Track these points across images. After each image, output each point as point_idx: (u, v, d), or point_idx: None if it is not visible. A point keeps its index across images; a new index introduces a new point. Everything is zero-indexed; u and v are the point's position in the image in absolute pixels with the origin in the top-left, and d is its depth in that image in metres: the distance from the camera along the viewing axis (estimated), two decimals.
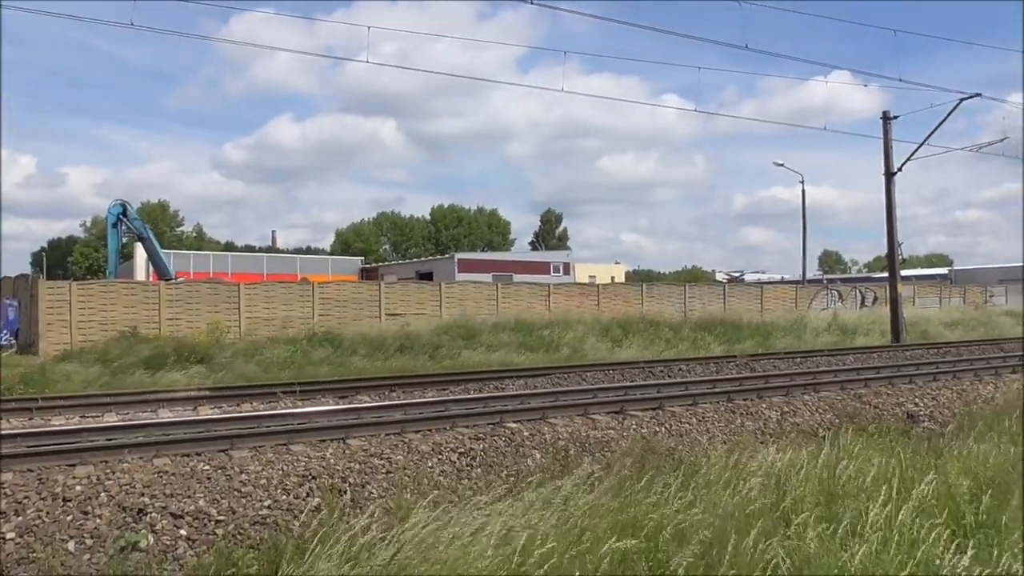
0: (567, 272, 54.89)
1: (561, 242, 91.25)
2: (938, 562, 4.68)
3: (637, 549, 4.92)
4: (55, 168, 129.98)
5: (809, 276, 45.69)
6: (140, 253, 36.78)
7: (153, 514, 6.32)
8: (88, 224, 77.56)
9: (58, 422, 10.60)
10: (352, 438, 8.51)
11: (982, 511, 5.67)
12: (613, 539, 4.85)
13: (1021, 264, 47.22)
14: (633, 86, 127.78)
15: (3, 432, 8.61)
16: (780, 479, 6.49)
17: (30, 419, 10.79)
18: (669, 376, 15.79)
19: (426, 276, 48.20)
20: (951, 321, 32.04)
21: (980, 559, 4.64)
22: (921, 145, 25.82)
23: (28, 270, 59.28)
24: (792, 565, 4.83)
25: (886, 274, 29.04)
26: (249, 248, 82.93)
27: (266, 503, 6.76)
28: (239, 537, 6.21)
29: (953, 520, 5.31)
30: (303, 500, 6.81)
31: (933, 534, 4.97)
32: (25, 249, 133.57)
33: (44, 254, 69.72)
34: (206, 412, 11.42)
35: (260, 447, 8.01)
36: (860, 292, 37.36)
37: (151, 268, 32.98)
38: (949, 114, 24.84)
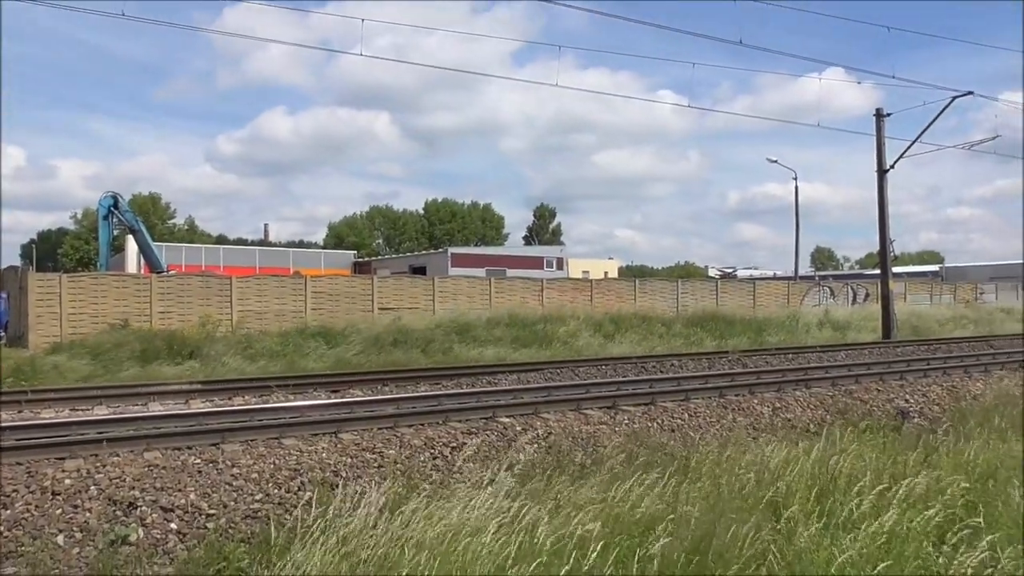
0: (560, 267, 54.94)
1: (555, 237, 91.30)
2: (933, 559, 4.69)
3: (630, 545, 4.92)
4: (45, 160, 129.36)
5: (801, 272, 45.88)
6: (131, 246, 36.56)
7: (143, 507, 6.29)
8: (79, 216, 77.06)
9: (48, 415, 10.54)
10: (344, 432, 8.51)
11: (972, 507, 5.70)
12: (598, 525, 4.84)
13: (1012, 262, 47.52)
14: (628, 81, 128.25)
15: None
16: (773, 474, 6.51)
17: (19, 412, 10.73)
18: (661, 371, 15.80)
19: (419, 270, 48.24)
20: (942, 318, 32.22)
21: (980, 555, 4.65)
22: (914, 142, 25.99)
23: (18, 262, 58.99)
24: (783, 560, 4.84)
25: (878, 271, 29.16)
26: (241, 241, 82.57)
27: (257, 497, 6.73)
28: (230, 531, 6.19)
29: (945, 516, 5.33)
30: (295, 494, 6.79)
31: (925, 530, 4.98)
32: (15, 241, 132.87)
33: (34, 246, 69.36)
34: (197, 406, 11.37)
35: (251, 441, 7.99)
36: (852, 289, 37.46)
37: (142, 261, 32.80)
38: (941, 112, 24.97)
